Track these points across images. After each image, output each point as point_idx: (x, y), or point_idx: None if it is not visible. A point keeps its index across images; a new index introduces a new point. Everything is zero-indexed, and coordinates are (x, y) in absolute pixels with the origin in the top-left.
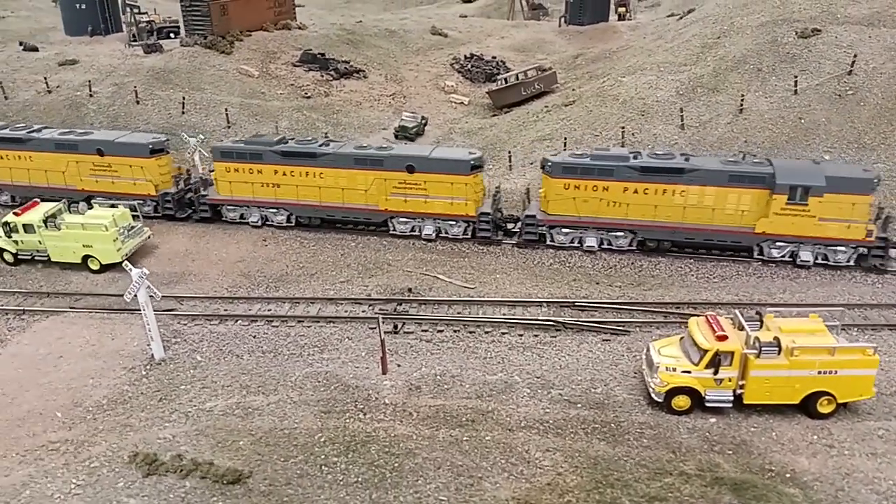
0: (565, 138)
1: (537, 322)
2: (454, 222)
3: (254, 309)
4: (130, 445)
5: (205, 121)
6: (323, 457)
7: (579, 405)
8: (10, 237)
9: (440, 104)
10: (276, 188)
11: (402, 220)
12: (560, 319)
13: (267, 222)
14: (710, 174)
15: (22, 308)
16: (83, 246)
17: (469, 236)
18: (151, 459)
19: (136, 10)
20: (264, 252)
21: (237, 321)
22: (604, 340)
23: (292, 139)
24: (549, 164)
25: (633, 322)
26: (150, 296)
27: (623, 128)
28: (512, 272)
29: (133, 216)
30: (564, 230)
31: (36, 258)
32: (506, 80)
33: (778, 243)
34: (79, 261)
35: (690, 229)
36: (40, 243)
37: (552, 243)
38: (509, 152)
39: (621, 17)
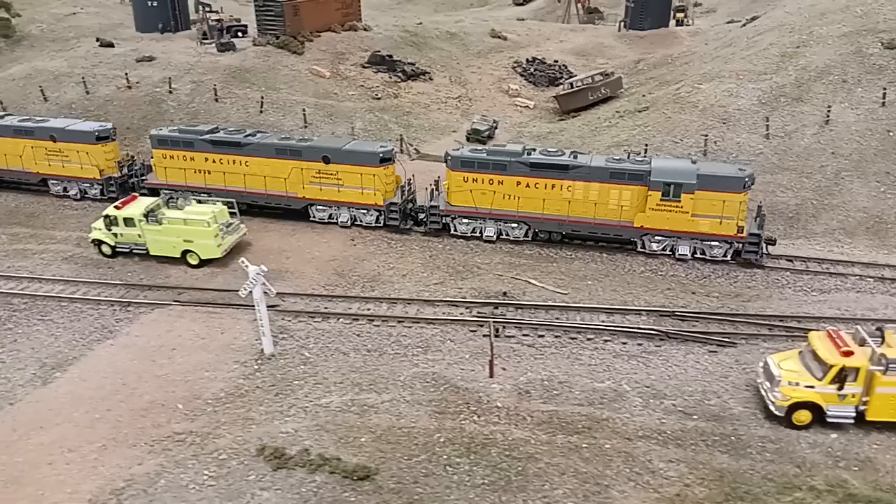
0: (646, 145)
1: (640, 331)
2: (366, 211)
3: (353, 308)
4: (255, 439)
5: (282, 120)
6: (445, 457)
7: (695, 416)
8: (109, 230)
9: (505, 107)
10: (207, 174)
11: (319, 207)
12: (664, 329)
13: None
14: (593, 171)
15: (127, 300)
16: (184, 241)
17: (381, 224)
18: (280, 453)
19: (207, 9)
20: (354, 252)
21: (339, 319)
22: (710, 352)
23: (223, 129)
24: (450, 158)
25: (738, 334)
26: (265, 293)
27: (706, 136)
28: (603, 279)
29: (230, 213)
30: (464, 220)
31: (134, 251)
32: (572, 84)
33: (656, 237)
34: (178, 255)
35: (577, 222)
36: (139, 237)
37: (454, 233)
38: None
39: (679, 23)
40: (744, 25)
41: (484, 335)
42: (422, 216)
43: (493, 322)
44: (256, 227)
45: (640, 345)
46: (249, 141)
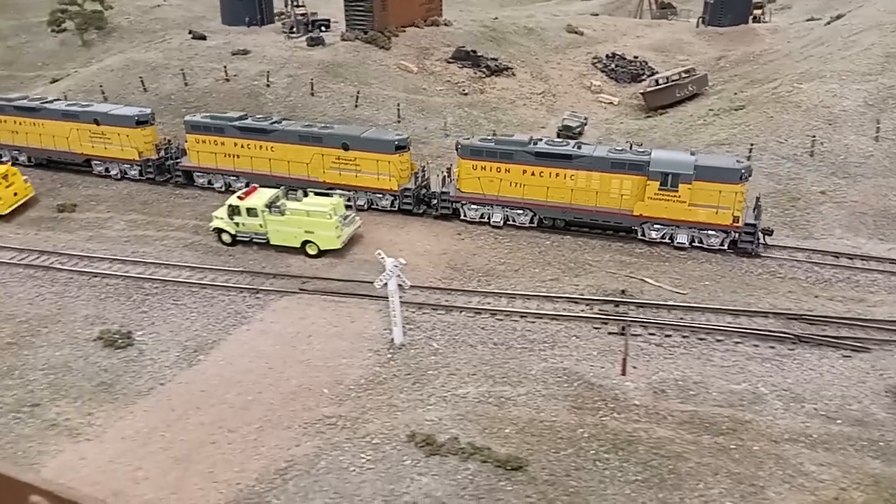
0: (751, 145)
1: (771, 333)
2: (381, 195)
3: (473, 301)
4: (402, 425)
5: (376, 115)
6: (592, 452)
7: (839, 421)
8: (232, 219)
9: (589, 103)
10: (236, 158)
11: (338, 191)
12: (795, 332)
13: (230, 188)
14: (595, 160)
15: (254, 287)
16: (305, 231)
17: (395, 208)
18: (431, 440)
19: (295, 3)
20: (462, 246)
21: (462, 312)
22: (844, 356)
23: (251, 116)
24: (460, 146)
25: (870, 339)
26: (399, 285)
27: (813, 137)
28: (720, 279)
29: (346, 206)
30: (473, 206)
31: (254, 240)
32: (657, 81)
33: (655, 226)
34: (297, 245)
35: (579, 210)
36: (261, 226)
37: (464, 218)
38: None
39: (756, 20)
40: (829, 23)
41: (609, 333)
42: (434, 202)
43: (626, 320)
44: (366, 220)
45: (772, 347)
46: (275, 128)
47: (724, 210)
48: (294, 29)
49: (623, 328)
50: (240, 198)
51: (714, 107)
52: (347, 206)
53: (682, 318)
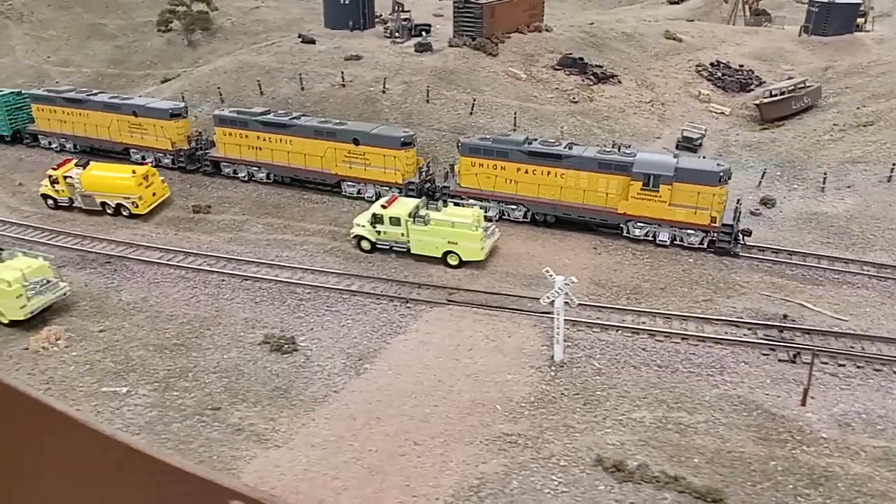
0: (893, 164)
1: None
2: (388, 188)
3: (628, 320)
4: (584, 448)
5: (491, 122)
6: (791, 487)
7: None
8: (374, 227)
9: (699, 113)
10: (258, 150)
11: (349, 183)
12: None
13: (252, 178)
14: (583, 160)
15: (402, 296)
16: (448, 242)
17: None
18: (620, 466)
19: (400, 8)
20: (601, 261)
21: (618, 331)
22: None
23: (273, 112)
24: (461, 144)
25: None
26: (566, 302)
27: None
28: (880, 306)
29: (486, 217)
30: (472, 200)
31: (394, 249)
32: (772, 92)
33: (638, 224)
34: (439, 255)
35: (568, 207)
36: (402, 235)
37: None
38: (825, 174)
39: (858, 29)
40: None
41: (779, 360)
42: (437, 195)
43: (796, 348)
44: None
45: None
46: (293, 123)
47: (703, 210)
48: (398, 34)
49: (794, 356)
50: (383, 206)
51: (838, 121)
52: (487, 219)
53: (852, 347)
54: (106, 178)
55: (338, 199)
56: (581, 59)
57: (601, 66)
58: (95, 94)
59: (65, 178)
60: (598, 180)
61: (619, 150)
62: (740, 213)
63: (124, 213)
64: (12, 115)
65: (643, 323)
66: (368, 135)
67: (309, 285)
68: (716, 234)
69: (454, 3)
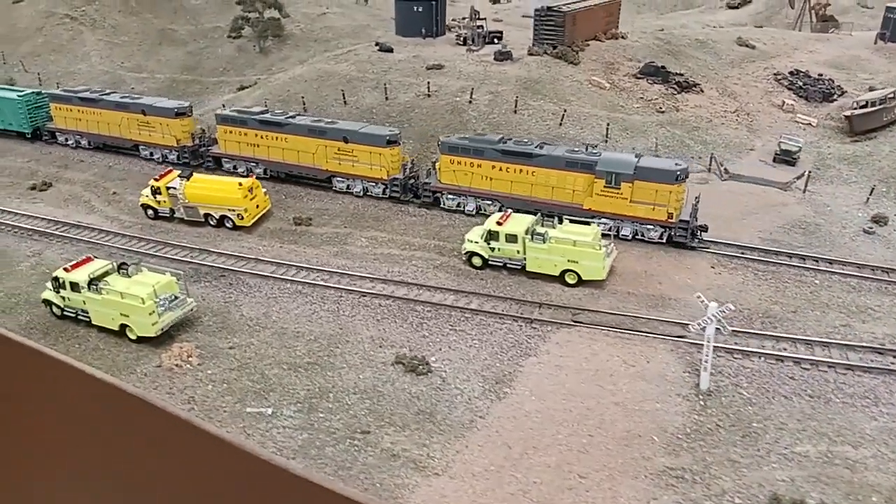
0: None
1: None
2: (374, 184)
3: (767, 346)
4: (755, 484)
5: (581, 133)
6: None
7: None
8: (488, 244)
9: (785, 124)
10: (256, 148)
11: (339, 179)
12: None
13: (249, 172)
14: (552, 159)
15: (526, 316)
16: (567, 261)
17: (386, 196)
18: None
19: (477, 16)
20: (723, 281)
21: (760, 358)
22: None
23: (271, 112)
24: (441, 143)
25: None
26: (718, 329)
27: None
28: None
29: (603, 234)
30: (451, 196)
31: (508, 266)
32: (862, 103)
33: (602, 219)
34: (556, 273)
35: (538, 202)
36: (518, 253)
37: (443, 207)
38: None
39: None
40: None
41: None
42: (419, 191)
43: None
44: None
45: None
46: (288, 122)
47: (661, 207)
48: (473, 42)
49: None
50: (498, 223)
51: None
52: (605, 235)
53: None
54: (211, 189)
55: (437, 213)
56: (663, 67)
57: (681, 75)
58: (108, 94)
59: (167, 188)
60: (566, 178)
61: (586, 149)
62: (697, 209)
63: (227, 225)
64: (32, 113)
65: (784, 349)
66: (356, 133)
67: (429, 303)
68: (673, 230)
69: (535, 11)
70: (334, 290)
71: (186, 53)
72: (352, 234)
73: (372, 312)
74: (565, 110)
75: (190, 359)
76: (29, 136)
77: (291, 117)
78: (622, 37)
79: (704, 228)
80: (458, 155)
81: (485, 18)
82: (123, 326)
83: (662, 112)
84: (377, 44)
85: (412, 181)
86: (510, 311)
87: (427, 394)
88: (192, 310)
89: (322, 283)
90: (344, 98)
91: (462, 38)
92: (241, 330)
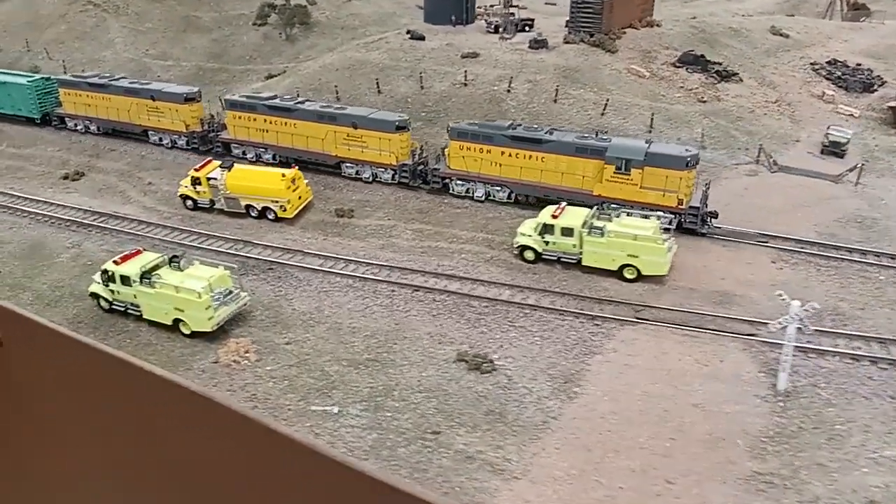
0: None
1: None
2: (383, 169)
3: (840, 344)
4: (849, 490)
5: (624, 124)
6: None
7: None
8: (542, 237)
9: (827, 115)
10: (265, 133)
11: (348, 164)
12: None
13: (260, 159)
14: (561, 145)
15: (586, 312)
16: (627, 255)
17: (395, 182)
18: None
19: (510, 2)
20: (787, 276)
21: (836, 357)
22: None
23: (280, 97)
24: (450, 129)
25: None
26: (799, 328)
27: None
28: None
29: (665, 229)
30: (460, 182)
31: (562, 260)
32: None
33: (612, 205)
34: (614, 268)
35: (547, 188)
36: (574, 247)
37: (452, 193)
38: None
39: None
40: None
41: None
42: (428, 177)
43: None
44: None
45: None
46: (297, 107)
47: (671, 193)
48: (505, 30)
49: None
50: (553, 216)
51: None
52: (666, 230)
53: None
54: (253, 180)
55: (481, 204)
56: (702, 56)
57: (720, 64)
58: (117, 79)
59: (207, 179)
60: (576, 164)
61: (595, 135)
62: (707, 196)
63: (269, 217)
64: (41, 99)
65: (859, 348)
66: (366, 118)
67: (484, 298)
68: (683, 216)
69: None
70: (386, 284)
71: (211, 41)
72: (396, 227)
73: (427, 307)
74: (608, 100)
75: (247, 354)
76: (38, 121)
77: (300, 103)
78: (657, 25)
79: (714, 215)
80: (468, 141)
81: (517, 6)
82: (177, 321)
83: (704, 102)
84: (408, 32)
85: (421, 167)
86: (568, 306)
87: (494, 393)
88: (245, 304)
89: (372, 276)
90: (378, 87)
91: (493, 26)
92: (295, 325)
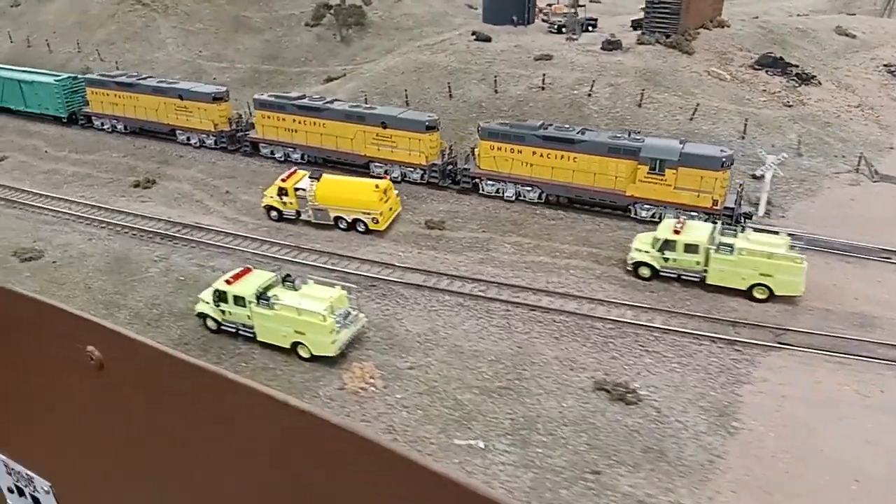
0: None
1: None
2: (412, 169)
3: None
4: None
5: (714, 129)
6: None
7: None
8: (662, 252)
9: None
10: (294, 133)
11: (377, 164)
12: None
13: (288, 158)
14: (594, 145)
15: (720, 335)
16: (760, 274)
17: (425, 182)
18: None
19: (578, 4)
20: None
21: None
22: None
23: (308, 97)
24: (480, 128)
25: None
26: None
27: None
28: None
29: (791, 245)
30: (490, 182)
31: (682, 277)
32: None
33: (645, 206)
34: (743, 288)
35: (579, 188)
36: (698, 264)
37: (482, 193)
38: None
39: None
40: None
41: None
42: (458, 177)
43: None
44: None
45: None
46: (326, 107)
47: (706, 194)
48: (572, 30)
49: None
50: (675, 231)
51: None
52: (791, 247)
53: None
54: (344, 191)
55: (574, 215)
56: (781, 58)
57: (797, 66)
58: (144, 79)
59: (295, 189)
60: (609, 164)
61: (628, 135)
62: (741, 197)
63: (359, 229)
64: (69, 98)
65: None
66: (395, 118)
67: (607, 319)
68: (718, 218)
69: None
70: (499, 303)
71: (264, 42)
72: (492, 239)
73: (547, 329)
74: (698, 104)
75: (373, 380)
76: (65, 119)
77: (329, 102)
78: (727, 25)
79: (749, 216)
80: (499, 141)
81: (583, 5)
82: (295, 344)
83: (790, 106)
84: (473, 33)
85: (451, 167)
86: (700, 329)
87: (646, 427)
88: (363, 326)
89: (481, 294)
90: (450, 91)
91: (557, 26)
92: (413, 347)
